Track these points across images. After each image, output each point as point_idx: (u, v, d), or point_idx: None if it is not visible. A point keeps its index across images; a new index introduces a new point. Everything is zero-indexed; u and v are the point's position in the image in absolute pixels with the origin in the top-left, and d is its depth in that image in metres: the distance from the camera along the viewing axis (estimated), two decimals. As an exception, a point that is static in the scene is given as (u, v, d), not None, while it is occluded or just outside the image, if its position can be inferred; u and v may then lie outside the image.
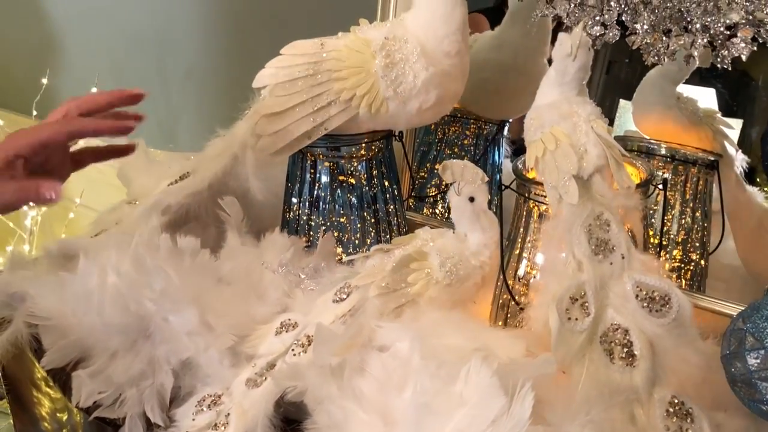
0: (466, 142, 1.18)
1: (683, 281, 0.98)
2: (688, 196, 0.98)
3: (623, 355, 0.64)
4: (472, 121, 1.17)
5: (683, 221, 0.98)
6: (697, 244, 0.99)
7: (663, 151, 0.99)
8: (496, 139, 1.16)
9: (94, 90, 1.51)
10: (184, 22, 1.50)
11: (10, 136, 0.69)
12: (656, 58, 0.75)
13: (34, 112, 1.56)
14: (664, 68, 1.00)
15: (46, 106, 1.59)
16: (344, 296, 0.77)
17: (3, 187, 0.65)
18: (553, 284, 0.67)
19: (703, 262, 0.99)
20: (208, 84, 1.55)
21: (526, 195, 0.78)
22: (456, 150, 1.18)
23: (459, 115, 1.17)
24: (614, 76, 1.09)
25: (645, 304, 0.65)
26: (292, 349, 0.75)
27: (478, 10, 1.22)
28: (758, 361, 0.58)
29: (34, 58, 1.70)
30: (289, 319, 0.79)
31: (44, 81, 1.57)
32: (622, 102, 1.09)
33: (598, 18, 0.80)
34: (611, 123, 1.05)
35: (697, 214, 0.98)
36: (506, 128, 1.17)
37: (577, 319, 0.65)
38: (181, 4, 1.49)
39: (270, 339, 0.78)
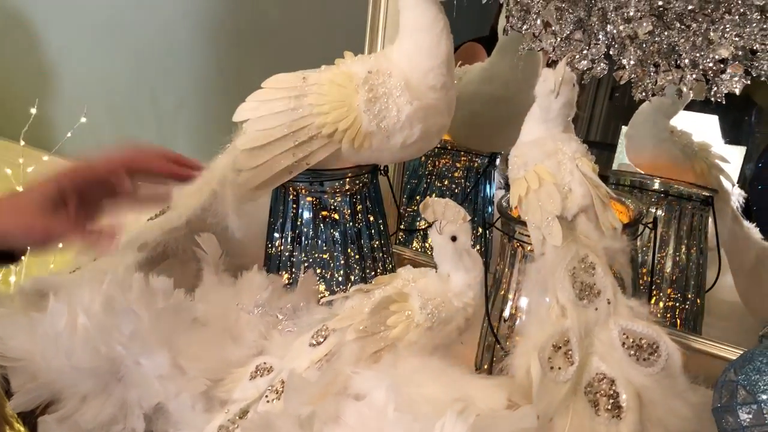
0: (456, 174, 1.16)
1: (678, 321, 0.95)
2: (682, 233, 0.95)
3: (609, 407, 0.61)
4: (462, 153, 1.15)
5: (677, 259, 0.95)
6: (693, 282, 0.95)
7: (656, 186, 0.97)
8: (488, 172, 1.14)
9: (83, 120, 1.50)
10: (177, 51, 1.49)
11: (67, 168, 0.68)
12: (644, 94, 0.73)
13: (22, 142, 1.55)
14: (657, 101, 0.98)
15: (34, 136, 1.57)
16: (321, 339, 0.74)
17: (56, 221, 0.64)
18: (535, 330, 0.64)
19: (699, 300, 0.96)
20: (200, 115, 1.53)
21: (511, 234, 0.75)
22: (446, 183, 1.16)
23: (449, 147, 1.15)
24: (618, 102, 1.07)
25: (632, 353, 0.62)
26: (266, 396, 0.72)
27: (475, 39, 1.21)
28: (750, 416, 0.55)
29: (25, 87, 1.69)
30: (265, 363, 0.76)
31: (33, 111, 1.56)
32: (624, 129, 1.07)
33: (585, 52, 0.78)
34: (614, 149, 1.03)
35: (692, 251, 0.95)
36: (498, 160, 1.15)
37: (560, 368, 0.62)
38: (175, 36, 1.48)
39: (244, 383, 0.75)
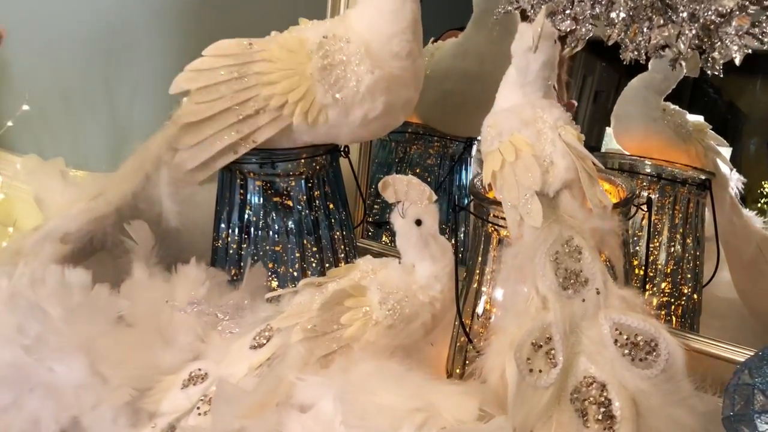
0: (429, 161, 1.05)
1: (674, 319, 0.85)
2: (677, 221, 0.85)
3: (600, 417, 0.50)
4: (435, 138, 1.05)
5: (672, 249, 0.85)
6: (689, 276, 0.86)
7: (648, 169, 0.87)
8: (463, 159, 1.04)
9: (26, 108, 1.39)
10: (131, 32, 1.38)
11: None
12: (636, 53, 0.63)
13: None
14: (647, 77, 0.89)
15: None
16: (263, 341, 0.64)
17: None
18: (511, 326, 0.54)
19: (695, 296, 0.86)
20: (159, 103, 1.40)
21: (484, 217, 0.65)
22: (419, 171, 1.06)
23: (421, 132, 1.05)
24: (601, 105, 0.99)
25: (626, 352, 0.52)
26: (198, 407, 0.61)
27: (458, 28, 1.11)
28: (771, 427, 0.45)
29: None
30: (199, 369, 0.65)
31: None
32: (609, 130, 0.98)
33: (568, 12, 0.68)
34: (597, 151, 0.94)
35: (688, 241, 0.86)
36: (475, 146, 1.05)
37: (540, 371, 0.52)
38: (129, 14, 1.37)
39: (175, 393, 0.64)
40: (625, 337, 0.53)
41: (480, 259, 0.67)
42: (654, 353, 0.52)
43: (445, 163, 1.04)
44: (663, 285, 0.85)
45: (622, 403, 0.51)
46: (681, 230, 0.85)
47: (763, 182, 0.85)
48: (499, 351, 0.53)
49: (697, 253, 0.86)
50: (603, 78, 0.97)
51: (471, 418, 0.52)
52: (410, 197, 0.64)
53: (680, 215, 0.85)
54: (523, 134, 0.60)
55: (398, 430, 0.49)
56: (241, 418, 0.54)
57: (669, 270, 0.85)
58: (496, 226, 0.64)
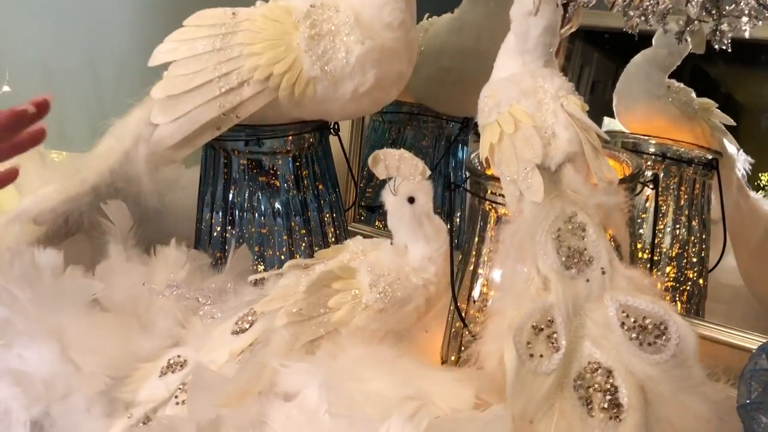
0: (424, 143, 1.01)
1: (679, 304, 0.81)
2: (682, 203, 0.82)
3: (605, 405, 0.47)
4: (430, 119, 1.00)
5: (677, 232, 0.81)
6: (695, 260, 0.82)
7: (652, 149, 0.83)
8: (460, 140, 1.00)
9: (6, 89, 1.34)
10: (113, 9, 1.33)
11: None
12: (642, 18, 0.59)
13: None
14: (651, 53, 0.85)
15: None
16: (246, 326, 0.60)
17: None
18: (510, 308, 0.50)
19: (701, 281, 0.83)
20: (146, 83, 1.35)
21: (481, 195, 0.61)
22: (413, 153, 1.01)
23: (415, 113, 1.01)
24: (598, 96, 0.95)
25: (634, 335, 0.48)
26: (176, 396, 0.58)
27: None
28: (792, 415, 0.42)
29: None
30: (178, 356, 0.61)
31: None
32: (606, 120, 0.94)
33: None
34: None
35: (694, 223, 0.82)
36: (471, 126, 1.01)
37: (542, 355, 0.48)
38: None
39: (153, 381, 0.60)
40: (632, 319, 0.49)
41: (476, 239, 0.63)
42: (663, 337, 0.48)
43: (440, 145, 1.00)
44: (668, 269, 0.81)
45: (630, 390, 0.47)
46: (686, 212, 0.82)
47: (760, 174, 0.82)
48: (497, 335, 0.49)
49: (703, 237, 0.83)
50: (600, 68, 0.93)
51: (467, 406, 0.49)
52: (402, 173, 0.61)
53: (686, 197, 0.82)
54: (523, 105, 0.56)
55: (388, 419, 0.45)
56: (219, 407, 0.50)
57: (674, 254, 0.81)
58: (493, 204, 0.60)
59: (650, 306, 0.49)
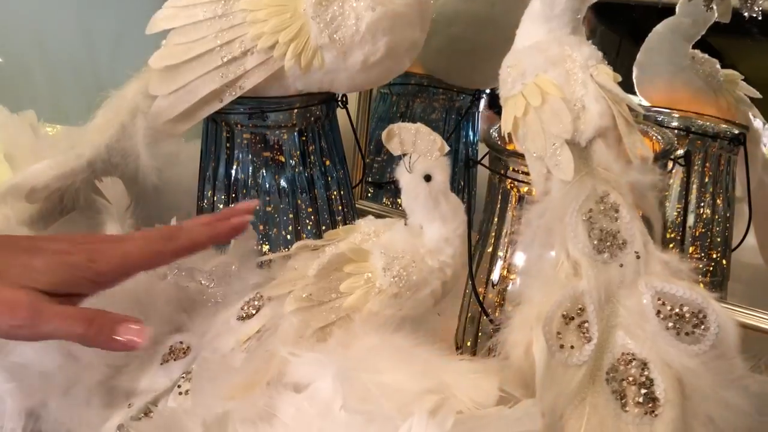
0: (434, 116, 0.97)
1: (701, 285, 0.78)
2: (707, 179, 0.78)
3: (640, 400, 0.44)
4: (441, 91, 0.96)
5: (701, 210, 0.78)
6: (718, 239, 0.79)
7: (675, 123, 0.79)
8: (471, 114, 0.96)
9: (-2, 60, 1.29)
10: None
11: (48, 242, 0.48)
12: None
13: None
14: (674, 21, 0.81)
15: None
16: (253, 311, 0.57)
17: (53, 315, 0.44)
18: (537, 296, 0.47)
19: (724, 261, 0.80)
20: (145, 52, 1.30)
21: (502, 172, 0.57)
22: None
23: (425, 84, 0.96)
24: None
25: (670, 325, 0.45)
26: (179, 385, 0.54)
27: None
28: None
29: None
30: (181, 343, 0.58)
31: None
32: None
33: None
34: None
35: (718, 201, 0.79)
36: (483, 100, 0.97)
37: (572, 346, 0.45)
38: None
39: (154, 369, 0.57)
40: (668, 307, 0.45)
41: (496, 219, 0.59)
42: (702, 326, 0.45)
43: (450, 118, 0.96)
44: (691, 249, 0.78)
45: (666, 383, 0.44)
46: (711, 190, 0.78)
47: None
48: (524, 324, 0.46)
49: (727, 215, 0.79)
50: (604, 41, 0.89)
51: (491, 400, 0.45)
52: (418, 149, 0.57)
53: (710, 173, 0.78)
54: (550, 75, 0.52)
55: (408, 415, 0.42)
56: (226, 400, 0.47)
57: (698, 233, 0.78)
58: (515, 182, 0.56)
59: (688, 293, 0.46)
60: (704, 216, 0.77)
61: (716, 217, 0.78)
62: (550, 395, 0.43)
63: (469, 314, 0.63)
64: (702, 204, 0.77)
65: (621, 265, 0.47)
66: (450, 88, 0.95)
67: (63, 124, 1.29)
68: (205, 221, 0.52)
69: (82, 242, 0.48)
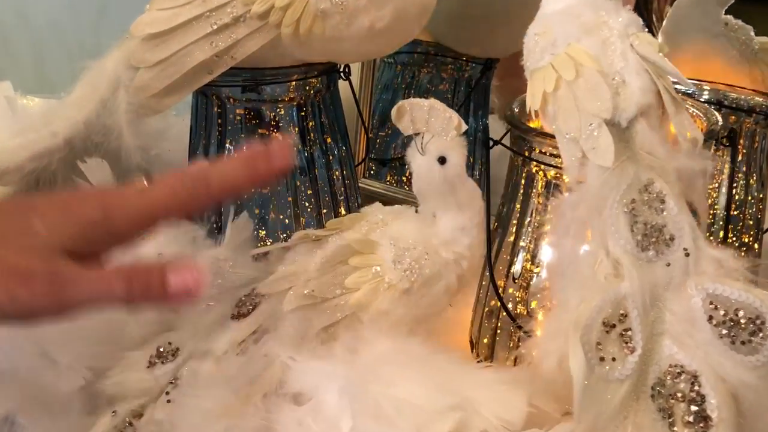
0: (442, 87, 0.91)
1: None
2: (740, 158, 0.72)
3: (690, 419, 0.38)
4: (449, 60, 0.89)
5: (734, 191, 0.72)
6: (750, 222, 0.73)
7: (706, 95, 0.73)
8: (482, 85, 0.89)
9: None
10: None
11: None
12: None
13: None
14: (706, -17, 0.74)
15: None
16: (248, 309, 0.51)
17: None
18: (573, 299, 0.41)
19: (756, 245, 0.74)
20: (130, 21, 1.22)
21: (526, 154, 0.51)
22: (429, 98, 0.91)
23: (432, 53, 0.90)
24: None
25: (724, 332, 0.39)
26: (167, 392, 0.49)
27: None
28: None
29: None
30: (169, 344, 0.52)
31: None
32: None
33: None
34: None
35: (752, 181, 0.73)
36: (495, 70, 0.90)
37: (614, 359, 0.39)
38: None
39: (139, 373, 0.51)
40: (722, 312, 0.40)
41: (518, 207, 0.54)
42: (760, 334, 0.39)
43: (460, 90, 0.90)
44: (721, 233, 0.72)
45: (720, 399, 0.38)
46: (744, 169, 0.72)
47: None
48: (558, 332, 0.40)
49: (761, 196, 0.73)
50: None
51: (520, 417, 0.40)
52: (432, 128, 0.51)
53: (744, 151, 0.72)
54: (584, 44, 0.46)
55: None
56: (219, 418, 0.41)
57: (730, 216, 0.72)
58: (542, 165, 0.50)
59: (743, 295, 0.40)
60: (737, 198, 0.72)
61: (749, 198, 0.72)
62: (590, 414, 0.38)
63: (487, 309, 0.57)
64: (735, 184, 0.72)
65: (668, 264, 0.41)
66: (459, 57, 0.89)
67: (48, 96, 1.22)
68: (240, 160, 0.39)
69: (91, 194, 0.40)
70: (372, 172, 0.92)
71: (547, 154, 0.49)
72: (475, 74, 0.89)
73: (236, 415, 0.43)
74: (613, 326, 0.40)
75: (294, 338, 0.48)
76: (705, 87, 0.73)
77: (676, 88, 0.49)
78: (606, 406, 0.38)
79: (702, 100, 0.73)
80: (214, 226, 0.67)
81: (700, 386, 0.39)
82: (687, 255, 0.41)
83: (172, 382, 0.50)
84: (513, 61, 0.84)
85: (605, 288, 0.40)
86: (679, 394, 0.39)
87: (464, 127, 0.49)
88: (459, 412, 0.40)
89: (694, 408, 0.38)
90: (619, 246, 0.41)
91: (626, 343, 0.40)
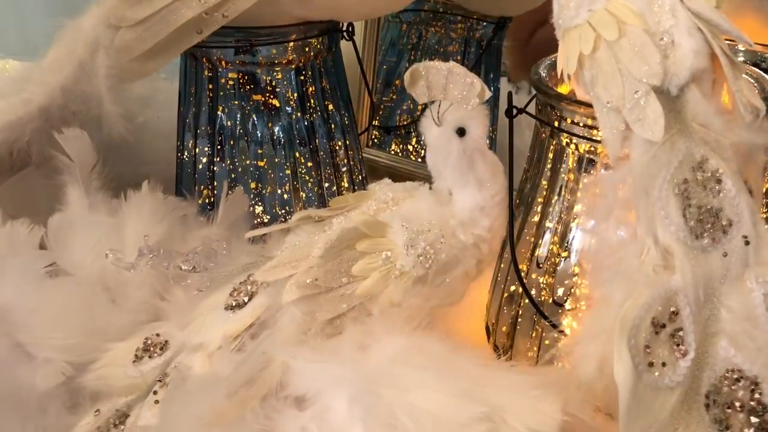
0: (450, 49, 0.84)
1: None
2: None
3: (751, 430, 0.33)
4: (459, 18, 0.83)
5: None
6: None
7: (741, 57, 0.67)
8: (494, 45, 0.83)
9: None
10: None
11: None
12: None
13: None
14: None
15: None
16: (244, 299, 0.46)
17: None
18: (618, 295, 0.36)
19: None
20: None
21: (556, 124, 0.46)
22: (437, 60, 0.84)
23: (440, 11, 0.83)
24: None
25: (789, 332, 0.34)
26: (155, 392, 0.44)
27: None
28: None
29: None
30: (157, 335, 0.47)
31: None
32: None
33: None
34: None
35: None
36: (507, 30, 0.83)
37: (664, 363, 0.34)
38: None
39: (125, 368, 0.47)
40: (786, 309, 0.35)
41: (544, 183, 0.48)
42: (830, 334, 0.34)
43: (470, 51, 0.83)
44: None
45: (784, 409, 0.33)
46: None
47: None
48: (599, 332, 0.35)
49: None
50: None
51: (553, 427, 0.35)
52: (450, 95, 0.45)
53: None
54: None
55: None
56: (210, 426, 0.37)
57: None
58: (574, 138, 0.45)
59: (810, 289, 0.35)
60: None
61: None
62: (636, 428, 0.33)
63: (506, 294, 0.52)
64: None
65: (724, 254, 0.36)
66: (470, 15, 0.82)
67: (30, 59, 1.15)
68: None
69: None
70: (375, 140, 0.86)
71: (581, 125, 0.44)
72: (487, 34, 0.82)
73: (231, 422, 0.38)
74: (663, 326, 0.35)
75: (296, 333, 0.43)
76: (740, 47, 0.67)
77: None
78: (655, 417, 0.34)
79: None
80: (206, 201, 0.62)
81: (761, 394, 0.34)
82: (747, 243, 0.36)
83: (160, 380, 0.45)
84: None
85: (654, 282, 0.35)
86: (738, 403, 0.34)
87: (488, 94, 0.44)
88: (486, 423, 0.35)
89: (754, 419, 0.34)
90: (670, 233, 0.36)
91: (678, 345, 0.35)
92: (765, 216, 0.64)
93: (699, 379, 0.35)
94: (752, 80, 0.47)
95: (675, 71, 0.38)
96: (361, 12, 0.58)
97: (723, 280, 0.36)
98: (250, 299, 0.45)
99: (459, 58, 0.84)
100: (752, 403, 0.34)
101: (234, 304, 0.46)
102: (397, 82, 0.86)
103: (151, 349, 0.47)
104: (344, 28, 0.63)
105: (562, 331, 0.44)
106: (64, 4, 1.28)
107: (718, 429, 0.34)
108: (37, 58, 0.94)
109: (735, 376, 0.34)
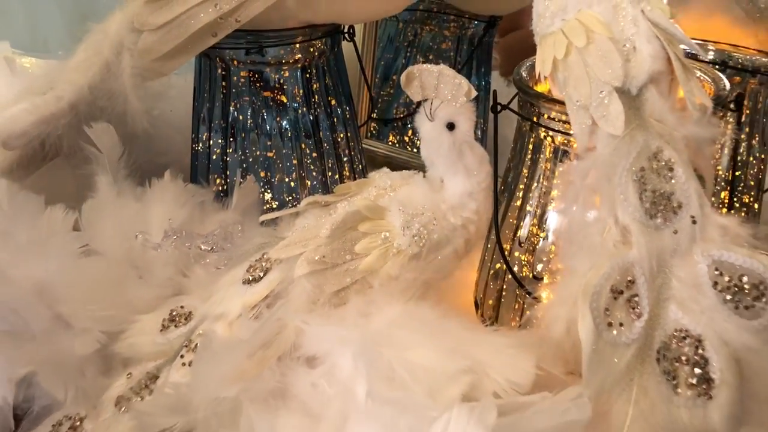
0: (444, 46, 0.90)
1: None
2: (743, 118, 0.72)
3: (693, 381, 0.40)
4: (452, 17, 0.88)
5: (736, 153, 0.72)
6: (752, 183, 0.74)
7: (711, 55, 0.72)
8: (485, 42, 0.88)
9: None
10: None
11: None
12: None
13: None
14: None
15: None
16: (260, 274, 0.52)
17: None
18: (582, 266, 0.42)
19: (756, 205, 0.75)
20: None
21: (534, 119, 0.52)
22: (431, 57, 0.90)
23: (434, 10, 0.88)
24: None
25: (728, 297, 0.41)
26: (181, 355, 0.50)
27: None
28: None
29: None
30: (182, 307, 0.53)
31: None
32: None
33: None
34: None
35: (754, 142, 0.73)
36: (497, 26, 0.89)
37: (621, 324, 0.40)
38: None
39: (154, 336, 0.53)
40: (726, 278, 0.41)
41: (525, 171, 0.54)
42: (763, 299, 0.40)
43: (462, 48, 0.89)
44: (723, 194, 0.73)
45: (723, 362, 0.40)
46: (747, 130, 0.72)
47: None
48: (567, 298, 0.41)
49: (762, 157, 0.74)
50: None
51: (528, 379, 0.41)
52: (441, 94, 0.51)
53: (747, 112, 0.72)
54: (596, 10, 0.46)
55: (441, 401, 0.38)
56: (234, 382, 0.43)
57: (730, 177, 0.72)
58: (550, 131, 0.51)
59: (747, 261, 0.41)
60: (740, 159, 0.72)
61: (751, 159, 0.73)
62: (597, 378, 0.39)
63: (492, 271, 0.58)
64: (738, 145, 0.72)
65: (675, 232, 0.42)
66: (462, 14, 0.87)
67: (40, 55, 1.20)
68: None
69: None
70: (374, 132, 0.92)
71: (556, 120, 0.49)
72: (478, 32, 0.88)
73: (252, 379, 0.44)
74: (621, 292, 0.41)
75: (306, 303, 0.49)
76: (710, 47, 0.73)
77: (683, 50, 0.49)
78: (613, 369, 0.40)
79: (706, 60, 0.73)
80: (220, 189, 0.68)
81: (704, 350, 0.40)
82: (694, 222, 0.42)
83: (186, 345, 0.51)
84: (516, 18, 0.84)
85: (614, 255, 0.41)
86: (684, 357, 0.40)
87: (474, 93, 0.49)
88: (470, 375, 0.41)
89: (697, 371, 0.40)
90: (628, 213, 0.42)
91: (633, 308, 0.41)
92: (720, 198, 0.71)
93: (651, 337, 0.41)
94: (709, 79, 0.53)
95: (635, 74, 0.44)
96: (362, 16, 0.64)
97: (673, 254, 0.42)
98: (265, 274, 0.51)
99: (452, 54, 0.89)
100: (696, 357, 0.40)
101: (251, 279, 0.51)
102: (394, 77, 0.91)
103: (177, 319, 0.53)
104: (346, 30, 0.68)
105: (541, 302, 0.50)
106: (73, 1, 1.33)
107: (667, 379, 0.40)
108: (48, 54, 1.00)
109: (682, 335, 0.41)
